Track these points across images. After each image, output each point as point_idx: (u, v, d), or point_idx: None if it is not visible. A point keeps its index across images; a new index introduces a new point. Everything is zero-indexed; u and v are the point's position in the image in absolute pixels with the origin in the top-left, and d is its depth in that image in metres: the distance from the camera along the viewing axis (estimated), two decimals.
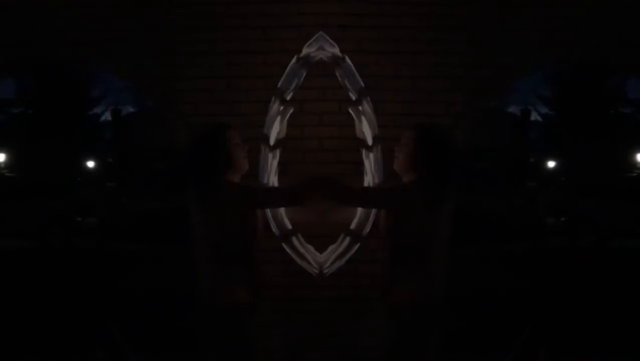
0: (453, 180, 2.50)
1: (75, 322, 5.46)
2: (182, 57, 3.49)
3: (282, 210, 2.48)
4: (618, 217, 13.87)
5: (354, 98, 2.57)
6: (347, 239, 2.42)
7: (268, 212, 2.47)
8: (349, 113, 2.59)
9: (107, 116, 19.69)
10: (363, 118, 2.59)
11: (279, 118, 2.57)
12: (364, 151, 2.57)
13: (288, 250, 2.48)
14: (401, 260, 2.39)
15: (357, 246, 2.44)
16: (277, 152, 2.56)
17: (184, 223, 4.08)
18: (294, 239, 2.47)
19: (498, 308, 5.77)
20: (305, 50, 2.64)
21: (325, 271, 2.47)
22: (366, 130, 2.58)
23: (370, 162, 2.56)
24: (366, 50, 3.46)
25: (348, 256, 2.46)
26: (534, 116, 19.29)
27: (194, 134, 2.54)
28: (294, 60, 2.63)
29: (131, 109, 19.68)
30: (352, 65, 2.61)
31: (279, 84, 2.57)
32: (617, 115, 17.87)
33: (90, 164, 19.00)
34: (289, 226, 2.47)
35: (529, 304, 5.98)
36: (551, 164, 18.38)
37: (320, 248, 2.49)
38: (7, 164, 16.75)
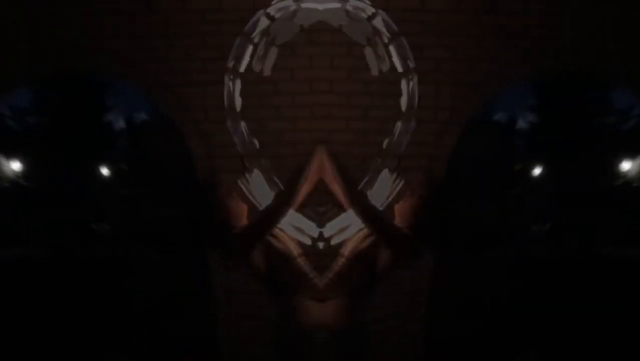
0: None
1: (90, 326, 5.55)
2: (193, 63, 3.55)
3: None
4: (603, 224, 14.08)
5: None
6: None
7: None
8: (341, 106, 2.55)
9: (121, 123, 19.98)
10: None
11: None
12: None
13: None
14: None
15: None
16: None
17: (198, 229, 4.15)
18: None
19: (486, 315, 5.93)
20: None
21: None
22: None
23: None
24: (357, 57, 3.49)
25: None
26: (520, 124, 19.25)
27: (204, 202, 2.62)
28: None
29: (144, 116, 19.96)
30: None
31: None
32: (602, 124, 17.55)
33: (105, 171, 19.21)
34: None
35: (516, 311, 6.02)
36: (537, 172, 18.32)
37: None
38: (23, 173, 16.97)
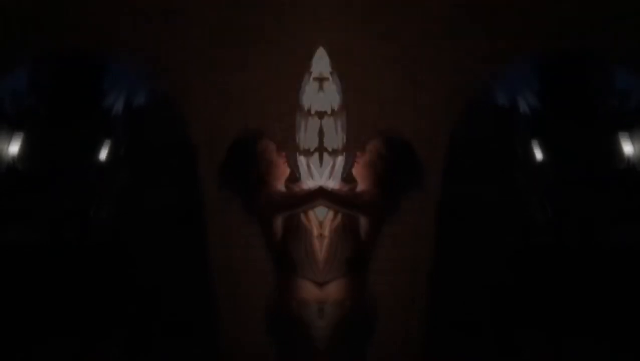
0: (405, 193, 2.61)
1: (94, 309, 5.53)
2: (194, 48, 3.47)
3: None
4: (605, 209, 14.19)
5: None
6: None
7: None
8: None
9: (119, 108, 19.87)
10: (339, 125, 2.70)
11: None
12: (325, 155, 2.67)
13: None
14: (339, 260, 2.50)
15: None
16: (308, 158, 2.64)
17: (197, 217, 4.10)
18: None
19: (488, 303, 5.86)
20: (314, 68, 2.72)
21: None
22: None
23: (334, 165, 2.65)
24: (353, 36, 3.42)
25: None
26: (522, 107, 19.70)
27: (232, 147, 2.62)
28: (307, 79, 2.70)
29: (143, 101, 19.85)
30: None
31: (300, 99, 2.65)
32: (605, 106, 18.08)
33: (102, 156, 19.18)
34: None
35: (518, 300, 6.07)
36: (539, 156, 18.92)
37: None
38: (20, 157, 16.90)
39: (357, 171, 2.64)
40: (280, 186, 2.62)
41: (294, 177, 2.72)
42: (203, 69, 3.52)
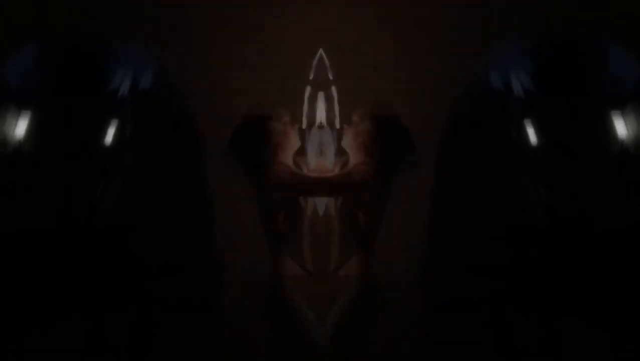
0: (397, 170, 2.60)
1: (101, 291, 5.58)
2: (199, 27, 3.49)
3: None
4: (599, 191, 13.99)
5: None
6: None
7: None
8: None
9: (125, 90, 19.63)
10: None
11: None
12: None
13: None
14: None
15: None
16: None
17: (203, 196, 4.16)
18: None
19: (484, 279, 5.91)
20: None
21: None
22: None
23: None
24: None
25: None
26: (516, 88, 19.18)
27: (246, 115, 2.61)
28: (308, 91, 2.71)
29: (149, 83, 19.59)
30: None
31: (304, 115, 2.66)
32: (600, 88, 17.56)
33: (109, 136, 19.01)
34: None
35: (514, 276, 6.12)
36: (532, 137, 18.47)
37: None
38: (27, 136, 16.82)
39: (346, 143, 2.61)
40: (289, 159, 2.59)
41: (303, 151, 2.70)
42: (211, 51, 3.54)
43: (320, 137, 2.54)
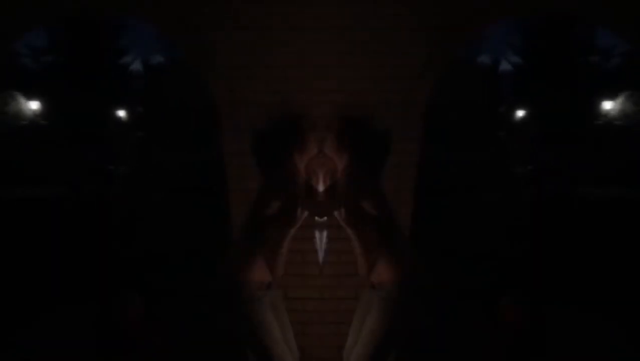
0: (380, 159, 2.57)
1: (110, 269, 5.63)
2: (216, 6, 3.42)
3: None
4: (583, 164, 14.33)
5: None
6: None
7: None
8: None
9: (137, 65, 19.78)
10: None
11: None
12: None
13: None
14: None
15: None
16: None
17: (214, 174, 4.12)
18: None
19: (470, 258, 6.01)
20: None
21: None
22: None
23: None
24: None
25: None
26: (504, 65, 18.84)
27: (272, 124, 2.60)
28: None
29: (161, 59, 19.74)
30: None
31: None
32: (585, 64, 17.30)
33: (121, 114, 19.23)
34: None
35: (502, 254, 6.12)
36: (520, 113, 18.27)
37: None
38: (41, 112, 17.03)
39: (331, 152, 2.60)
40: (301, 164, 2.58)
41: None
42: (226, 30, 3.46)
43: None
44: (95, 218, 8.60)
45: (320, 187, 2.49)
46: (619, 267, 5.45)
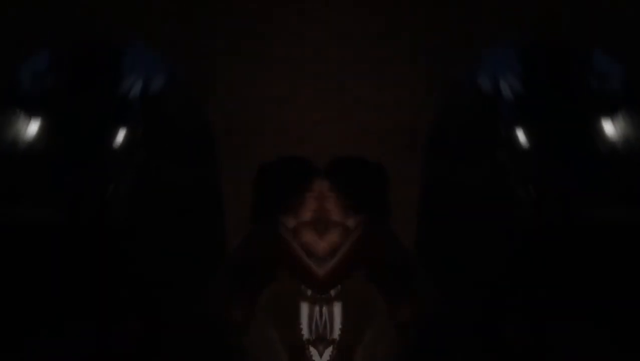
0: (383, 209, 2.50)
1: (109, 293, 5.54)
2: (218, 30, 3.44)
3: None
4: (586, 187, 14.22)
5: None
6: None
7: None
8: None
9: (138, 91, 19.76)
10: None
11: None
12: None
13: None
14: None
15: None
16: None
17: (213, 195, 4.10)
18: None
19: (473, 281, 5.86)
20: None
21: None
22: None
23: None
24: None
25: None
26: (505, 89, 19.29)
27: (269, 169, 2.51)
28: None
29: (163, 85, 19.70)
30: None
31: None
32: (585, 88, 17.75)
33: (121, 133, 19.15)
34: None
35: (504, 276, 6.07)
36: (521, 136, 18.57)
37: None
38: (38, 137, 16.98)
39: (332, 206, 2.48)
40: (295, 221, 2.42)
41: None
42: (227, 55, 3.49)
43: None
44: (94, 239, 8.51)
45: (321, 251, 2.27)
46: (622, 288, 5.39)
